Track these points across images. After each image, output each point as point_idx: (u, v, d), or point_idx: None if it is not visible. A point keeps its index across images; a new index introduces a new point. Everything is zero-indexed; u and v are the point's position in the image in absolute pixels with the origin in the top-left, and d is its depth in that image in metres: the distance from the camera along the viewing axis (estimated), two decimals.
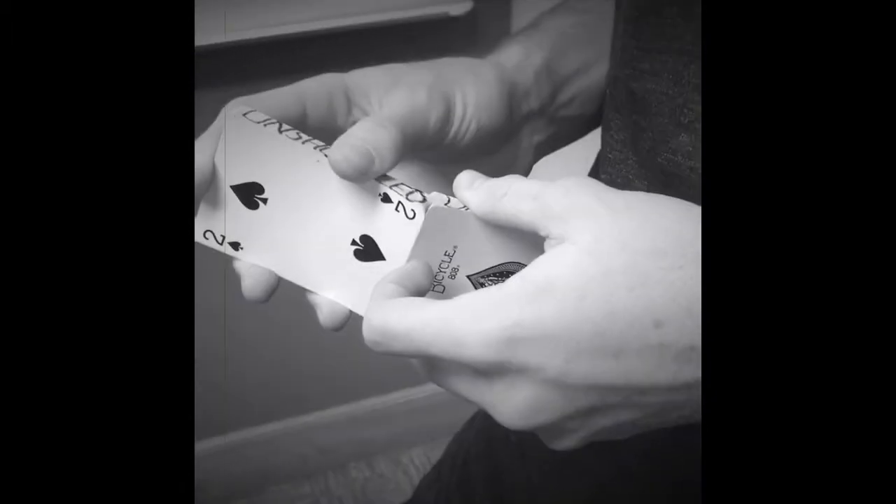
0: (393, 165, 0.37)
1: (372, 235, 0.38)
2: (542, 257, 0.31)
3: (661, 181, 0.41)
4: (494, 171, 0.37)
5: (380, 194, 0.37)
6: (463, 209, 0.36)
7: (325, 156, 0.36)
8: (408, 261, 0.37)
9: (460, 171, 0.36)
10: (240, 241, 0.39)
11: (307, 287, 0.40)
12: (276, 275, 0.39)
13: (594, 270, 0.30)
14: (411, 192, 0.37)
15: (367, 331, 0.33)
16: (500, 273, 0.38)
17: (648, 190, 0.42)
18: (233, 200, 0.38)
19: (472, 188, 0.35)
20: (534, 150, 0.47)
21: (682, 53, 0.38)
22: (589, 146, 0.52)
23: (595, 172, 0.51)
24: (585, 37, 0.48)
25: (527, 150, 0.47)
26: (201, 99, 0.45)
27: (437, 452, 0.69)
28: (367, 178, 0.36)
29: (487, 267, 0.38)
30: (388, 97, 0.40)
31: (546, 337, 0.30)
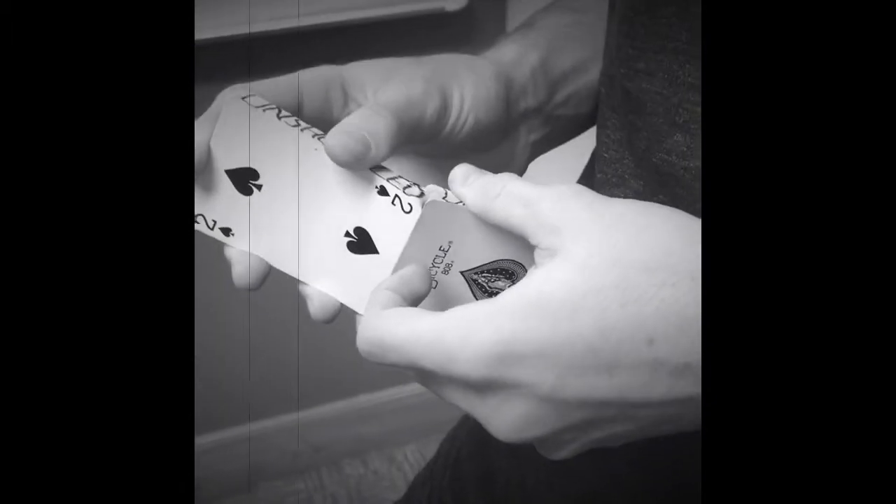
0: (389, 154, 0.37)
1: (366, 228, 0.38)
2: (534, 272, 0.31)
3: (656, 181, 0.41)
4: (492, 169, 0.36)
5: (376, 186, 0.37)
6: (460, 204, 0.36)
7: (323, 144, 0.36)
8: (401, 254, 0.37)
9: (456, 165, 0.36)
10: (231, 227, 0.38)
11: (298, 277, 0.39)
12: (267, 263, 0.39)
13: (586, 287, 0.30)
14: (408, 186, 0.36)
15: (361, 342, 0.33)
16: (494, 270, 0.37)
17: (644, 189, 0.42)
18: (227, 185, 0.38)
19: (467, 184, 0.35)
20: (530, 149, 0.47)
21: (678, 53, 0.38)
22: (584, 144, 0.52)
23: (590, 170, 0.51)
24: (581, 35, 0.48)
25: (523, 148, 0.47)
26: (197, 93, 0.45)
27: (431, 449, 0.69)
28: (364, 166, 0.36)
29: (481, 263, 0.37)
30: (385, 88, 0.39)
31: (538, 354, 0.30)
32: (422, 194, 0.36)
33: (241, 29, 0.97)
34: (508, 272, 0.37)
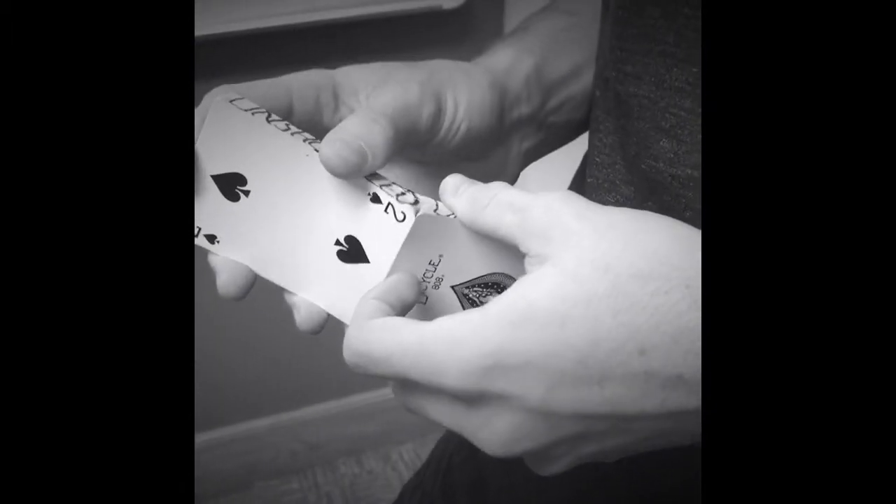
0: (385, 162, 0.36)
1: (357, 236, 0.37)
2: (522, 281, 0.30)
3: (646, 187, 0.40)
4: (484, 177, 0.36)
5: (369, 194, 0.35)
6: (451, 216, 0.35)
7: (315, 150, 0.35)
8: (391, 270, 0.36)
9: (448, 174, 0.35)
10: (216, 234, 0.37)
11: (285, 287, 0.38)
12: (253, 271, 0.38)
13: (576, 296, 0.29)
14: (402, 194, 0.35)
15: (347, 353, 0.32)
16: (485, 284, 0.37)
17: (634, 196, 0.41)
18: (213, 191, 0.37)
19: (457, 194, 0.34)
20: (522, 157, 0.46)
21: (665, 56, 0.37)
22: (576, 147, 0.51)
23: (581, 174, 0.51)
24: (577, 39, 0.47)
25: (516, 157, 0.46)
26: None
27: (426, 449, 0.69)
28: (359, 175, 0.35)
29: (472, 278, 0.37)
30: (379, 93, 0.38)
31: (527, 365, 0.29)
32: (416, 202, 0.35)
33: (239, 26, 0.96)
34: (500, 286, 0.37)
